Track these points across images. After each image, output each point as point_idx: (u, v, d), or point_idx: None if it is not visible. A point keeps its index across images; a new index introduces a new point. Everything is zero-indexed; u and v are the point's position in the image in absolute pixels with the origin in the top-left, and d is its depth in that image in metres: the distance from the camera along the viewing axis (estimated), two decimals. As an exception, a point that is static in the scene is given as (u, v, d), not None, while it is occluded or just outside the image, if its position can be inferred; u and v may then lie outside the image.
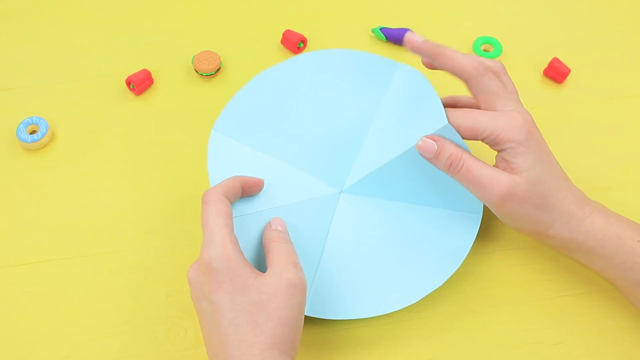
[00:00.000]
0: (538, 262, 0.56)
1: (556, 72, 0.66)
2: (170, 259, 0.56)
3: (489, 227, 0.57)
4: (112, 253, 0.56)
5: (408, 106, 0.51)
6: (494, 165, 0.49)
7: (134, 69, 0.66)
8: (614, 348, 0.52)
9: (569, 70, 0.66)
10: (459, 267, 0.54)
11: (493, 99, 0.49)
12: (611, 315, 0.53)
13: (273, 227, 0.48)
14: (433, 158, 0.49)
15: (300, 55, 0.55)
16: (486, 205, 0.50)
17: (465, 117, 0.48)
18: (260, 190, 0.51)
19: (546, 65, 0.67)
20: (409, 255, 0.52)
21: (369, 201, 0.53)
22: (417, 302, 0.51)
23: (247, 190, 0.50)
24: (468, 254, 0.53)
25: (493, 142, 0.48)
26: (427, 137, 0.49)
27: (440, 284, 0.51)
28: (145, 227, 0.57)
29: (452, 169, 0.48)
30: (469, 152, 0.49)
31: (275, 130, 0.54)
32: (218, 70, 0.67)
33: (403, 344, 0.52)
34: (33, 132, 0.62)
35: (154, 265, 0.55)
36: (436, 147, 0.48)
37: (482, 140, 0.49)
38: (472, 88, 0.50)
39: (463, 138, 0.49)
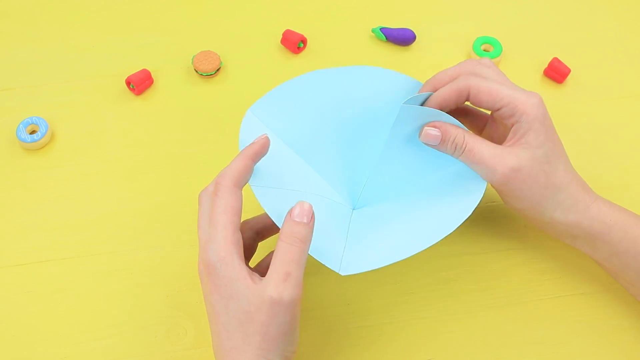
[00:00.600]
0: (538, 262, 0.56)
1: (556, 72, 0.66)
2: (170, 259, 0.56)
3: (489, 226, 0.57)
4: (112, 253, 0.56)
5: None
6: (506, 141, 0.49)
7: (134, 69, 0.66)
8: (614, 348, 0.52)
9: (569, 70, 0.66)
10: (459, 268, 0.54)
11: (501, 84, 0.49)
12: (611, 316, 0.53)
13: (295, 218, 0.43)
14: (439, 144, 0.49)
15: (360, 67, 0.54)
16: (491, 184, 0.49)
17: (487, 81, 0.49)
18: (268, 147, 0.47)
19: (546, 65, 0.67)
20: (421, 210, 0.51)
21: (379, 207, 0.53)
22: (417, 302, 0.51)
23: (258, 157, 0.47)
24: (468, 254, 0.53)
25: (509, 113, 0.48)
26: (428, 125, 0.49)
27: (456, 227, 0.48)
28: (145, 227, 0.57)
29: (456, 151, 0.48)
30: (471, 133, 0.49)
31: (306, 131, 0.53)
32: (218, 70, 0.67)
33: (403, 344, 0.52)
34: (33, 132, 0.62)
35: (154, 265, 0.55)
36: (439, 133, 0.48)
37: (498, 110, 0.48)
38: None
39: (479, 103, 0.49)
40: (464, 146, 0.48)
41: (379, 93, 0.54)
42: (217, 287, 0.42)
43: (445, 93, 0.49)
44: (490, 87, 0.48)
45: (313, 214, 0.43)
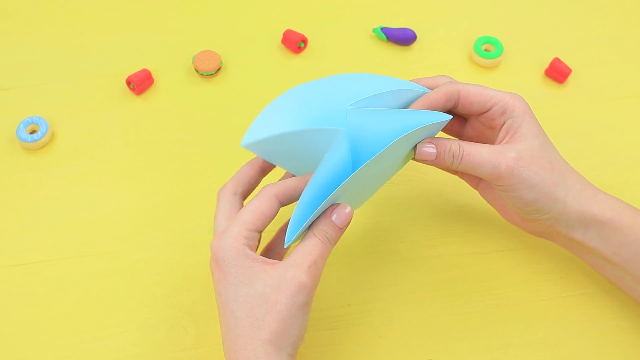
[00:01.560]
0: (539, 263, 0.56)
1: (557, 72, 0.66)
2: (170, 259, 0.56)
3: (489, 227, 0.57)
4: (112, 253, 0.56)
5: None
6: (498, 141, 0.49)
7: (134, 69, 0.66)
8: (614, 348, 0.52)
9: (570, 70, 0.66)
10: (459, 268, 0.54)
11: (486, 87, 0.50)
12: (611, 316, 0.53)
13: (337, 223, 0.45)
14: (436, 159, 0.48)
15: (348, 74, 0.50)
16: (496, 186, 0.48)
17: (475, 85, 0.49)
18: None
19: (547, 65, 0.67)
20: None
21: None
22: (417, 302, 0.51)
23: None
24: (468, 255, 0.53)
25: (501, 111, 0.48)
26: (421, 142, 0.48)
27: None
28: (146, 226, 0.57)
29: (455, 160, 0.48)
30: (463, 141, 0.48)
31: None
32: (218, 70, 0.67)
33: (403, 344, 0.52)
34: (33, 132, 0.62)
35: (154, 265, 0.55)
36: (434, 150, 0.48)
37: (487, 110, 0.49)
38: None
39: (469, 106, 0.49)
40: (461, 153, 0.48)
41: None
42: (225, 275, 0.43)
43: (434, 97, 0.49)
44: (479, 89, 0.49)
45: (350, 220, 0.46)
